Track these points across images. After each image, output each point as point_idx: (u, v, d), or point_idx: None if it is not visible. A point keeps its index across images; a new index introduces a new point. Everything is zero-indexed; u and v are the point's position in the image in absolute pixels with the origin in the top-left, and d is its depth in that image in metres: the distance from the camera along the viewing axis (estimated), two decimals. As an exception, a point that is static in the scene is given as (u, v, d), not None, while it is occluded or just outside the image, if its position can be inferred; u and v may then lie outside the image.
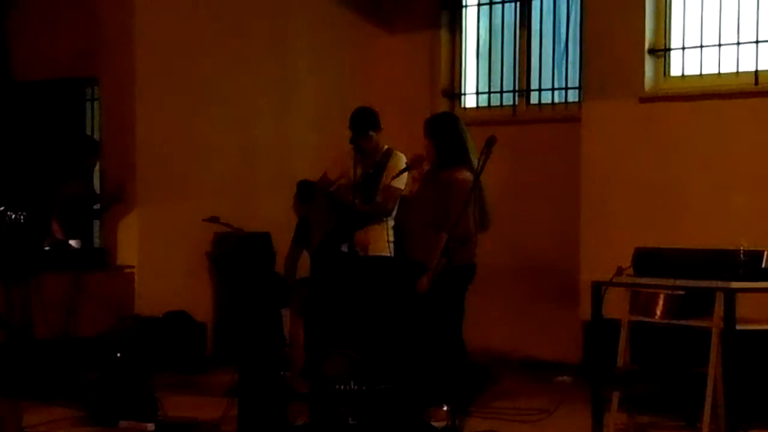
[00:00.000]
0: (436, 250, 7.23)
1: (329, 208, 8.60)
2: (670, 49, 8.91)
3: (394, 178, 8.12)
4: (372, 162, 8.39)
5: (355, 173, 8.39)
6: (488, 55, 10.73)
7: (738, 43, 8.56)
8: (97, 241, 10.53)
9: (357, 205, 8.26)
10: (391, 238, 8.28)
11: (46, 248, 9.02)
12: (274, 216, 9.88)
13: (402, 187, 8.14)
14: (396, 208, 8.28)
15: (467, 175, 7.30)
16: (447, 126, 7.72)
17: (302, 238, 9.56)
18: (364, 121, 8.36)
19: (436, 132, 7.64)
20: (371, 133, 8.36)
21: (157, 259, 9.85)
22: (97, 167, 10.28)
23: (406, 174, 8.00)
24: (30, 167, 11.21)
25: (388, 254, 8.20)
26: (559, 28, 10.27)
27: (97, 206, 10.04)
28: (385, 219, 8.31)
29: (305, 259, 9.62)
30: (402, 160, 8.14)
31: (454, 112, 10.19)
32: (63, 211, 9.66)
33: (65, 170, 9.90)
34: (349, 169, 8.48)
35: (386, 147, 8.46)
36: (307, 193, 9.39)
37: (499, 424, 7.41)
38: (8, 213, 8.57)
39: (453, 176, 7.44)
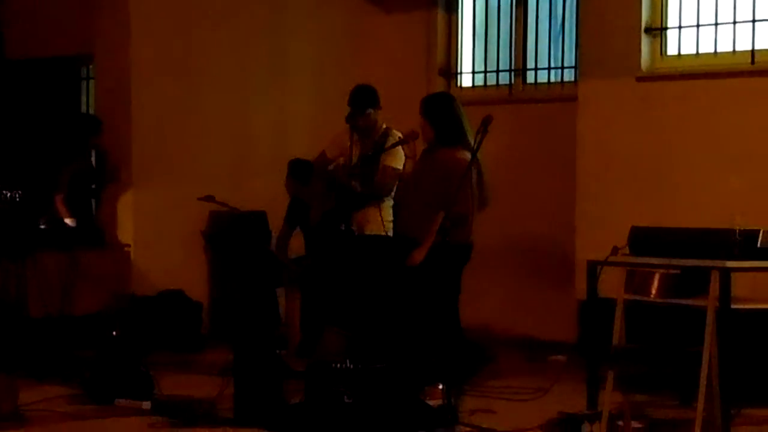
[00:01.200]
0: (433, 227, 7.24)
1: (328, 187, 8.60)
2: (666, 28, 8.89)
3: (387, 149, 8.11)
4: (371, 141, 8.38)
5: (351, 152, 8.40)
6: (485, 34, 10.71)
7: (734, 23, 8.54)
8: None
9: (355, 186, 8.26)
10: (390, 218, 8.29)
11: (42, 226, 9.01)
12: (270, 195, 9.88)
13: (399, 166, 8.14)
14: (394, 187, 8.28)
15: (465, 154, 7.30)
16: (443, 105, 7.73)
17: (294, 218, 9.57)
18: (362, 99, 8.38)
19: (432, 111, 7.64)
20: (369, 110, 8.36)
21: (153, 237, 9.84)
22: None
23: (402, 153, 8.00)
24: (24, 146, 11.19)
25: (385, 234, 8.21)
26: (556, 7, 10.25)
27: (93, 185, 10.02)
28: (383, 199, 8.31)
29: (297, 238, 9.63)
30: (398, 148, 8.12)
31: (450, 92, 10.20)
32: (68, 190, 9.64)
33: (67, 149, 9.86)
34: (347, 149, 8.47)
35: (385, 126, 8.46)
36: (299, 171, 9.39)
37: (494, 402, 7.43)
38: (3, 191, 8.56)
39: (452, 156, 7.44)
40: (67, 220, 9.30)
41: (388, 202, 8.34)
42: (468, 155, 7.19)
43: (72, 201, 9.60)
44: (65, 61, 11.22)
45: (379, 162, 8.26)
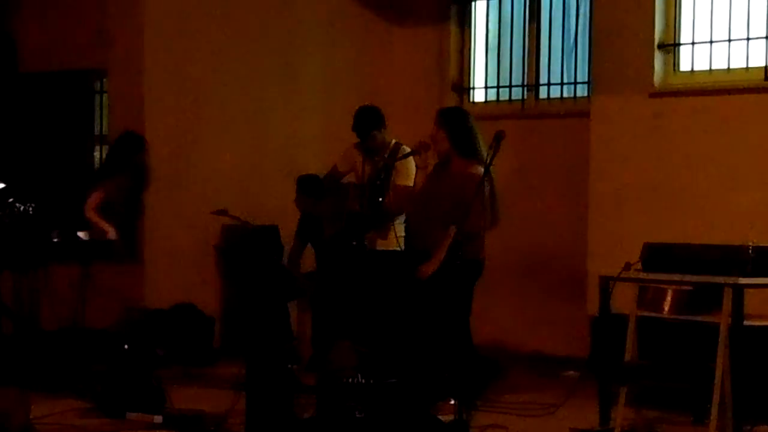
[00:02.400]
0: (444, 241, 7.23)
1: (341, 205, 8.60)
2: (679, 44, 8.89)
3: (399, 159, 8.10)
4: (381, 158, 8.37)
5: (363, 171, 8.41)
6: (497, 48, 10.72)
7: (748, 39, 8.55)
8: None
9: (368, 211, 8.26)
10: (402, 233, 8.26)
11: (55, 239, 9.01)
12: (282, 209, 9.88)
13: (411, 183, 8.13)
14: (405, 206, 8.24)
15: (479, 169, 7.30)
16: (460, 117, 7.74)
17: (305, 234, 9.57)
18: (365, 123, 8.37)
19: (449, 121, 7.64)
20: (374, 133, 8.36)
21: (166, 251, 9.84)
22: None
23: (413, 167, 7.99)
24: (37, 159, 11.19)
25: (397, 249, 8.20)
26: (569, 22, 10.25)
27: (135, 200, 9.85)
28: (395, 218, 8.31)
29: (310, 252, 9.63)
30: (410, 161, 8.11)
31: (462, 107, 10.20)
32: (107, 205, 9.47)
33: (114, 166, 9.66)
34: (357, 165, 8.49)
35: (394, 142, 8.44)
36: (308, 187, 9.39)
37: (506, 418, 7.41)
38: (16, 204, 8.57)
39: (465, 170, 7.45)
40: (80, 233, 9.28)
41: (400, 218, 8.33)
42: (481, 170, 7.20)
43: (111, 215, 9.48)
44: (78, 74, 11.24)
45: (388, 184, 8.24)
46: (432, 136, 7.67)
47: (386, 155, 8.37)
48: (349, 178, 8.83)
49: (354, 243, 8.31)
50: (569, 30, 10.27)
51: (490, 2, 10.78)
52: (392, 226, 8.24)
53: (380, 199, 8.16)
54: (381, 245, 8.31)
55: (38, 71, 11.38)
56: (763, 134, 8.29)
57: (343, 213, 8.53)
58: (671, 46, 8.90)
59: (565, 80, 10.29)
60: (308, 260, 9.68)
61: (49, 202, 9.38)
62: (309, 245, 9.65)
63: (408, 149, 8.13)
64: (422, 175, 7.78)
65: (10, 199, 8.65)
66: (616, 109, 9.03)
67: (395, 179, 8.21)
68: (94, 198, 9.27)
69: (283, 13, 10.58)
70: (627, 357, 6.56)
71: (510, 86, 10.63)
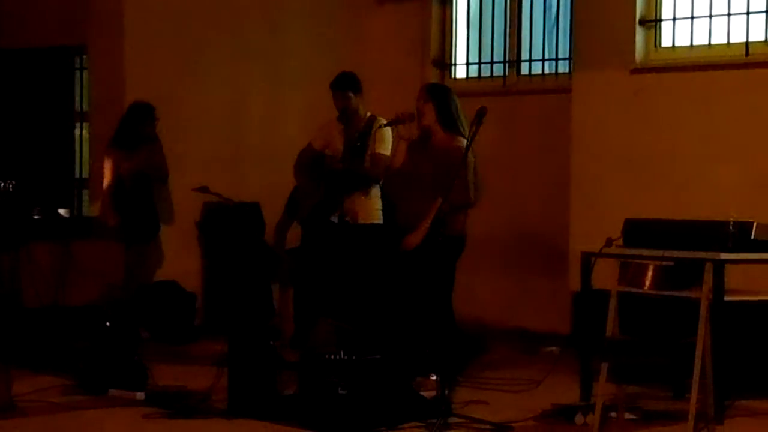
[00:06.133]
0: (431, 213, 7.22)
1: (316, 179, 8.59)
2: (661, 20, 8.89)
3: (382, 127, 8.11)
4: (354, 130, 8.40)
5: (337, 143, 8.43)
6: (479, 25, 10.70)
7: (729, 15, 8.55)
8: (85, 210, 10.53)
9: (351, 165, 8.27)
10: (379, 206, 8.30)
11: (36, 217, 8.99)
12: (264, 186, 9.87)
13: (388, 152, 8.13)
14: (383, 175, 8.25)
15: (462, 142, 7.30)
16: (446, 93, 7.75)
17: (294, 209, 9.55)
18: (342, 82, 8.44)
19: (438, 97, 7.63)
20: (349, 93, 8.40)
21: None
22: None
23: (390, 137, 8.00)
24: (17, 136, 11.14)
25: (379, 222, 8.21)
26: (550, -2, 10.25)
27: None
28: (372, 186, 8.32)
29: (295, 229, 9.62)
30: (387, 131, 8.14)
31: (444, 83, 10.19)
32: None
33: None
34: (334, 140, 8.49)
35: (369, 114, 8.47)
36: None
37: (487, 394, 7.43)
38: (-3, 182, 8.54)
39: (450, 143, 7.45)
40: (61, 211, 9.26)
41: (376, 190, 8.33)
42: (464, 143, 7.20)
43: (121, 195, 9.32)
44: (58, 51, 11.17)
45: (366, 152, 8.28)
46: (418, 109, 7.65)
47: (360, 127, 8.39)
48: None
49: (333, 219, 8.31)
50: (550, 6, 10.26)
51: (472, -22, 10.76)
52: (369, 196, 8.23)
53: (359, 159, 8.20)
54: (363, 219, 8.31)
55: (17, 48, 11.31)
56: (743, 110, 8.31)
57: (318, 190, 8.51)
58: (652, 22, 8.90)
59: (547, 56, 10.29)
60: (295, 237, 9.66)
61: (29, 179, 9.35)
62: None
63: (382, 120, 8.14)
64: (402, 145, 7.73)
65: (-10, 177, 8.61)
66: (597, 86, 9.03)
67: (373, 147, 8.22)
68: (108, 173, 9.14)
69: (265, -11, 10.55)
70: (608, 333, 6.57)
71: (491, 62, 10.62)
